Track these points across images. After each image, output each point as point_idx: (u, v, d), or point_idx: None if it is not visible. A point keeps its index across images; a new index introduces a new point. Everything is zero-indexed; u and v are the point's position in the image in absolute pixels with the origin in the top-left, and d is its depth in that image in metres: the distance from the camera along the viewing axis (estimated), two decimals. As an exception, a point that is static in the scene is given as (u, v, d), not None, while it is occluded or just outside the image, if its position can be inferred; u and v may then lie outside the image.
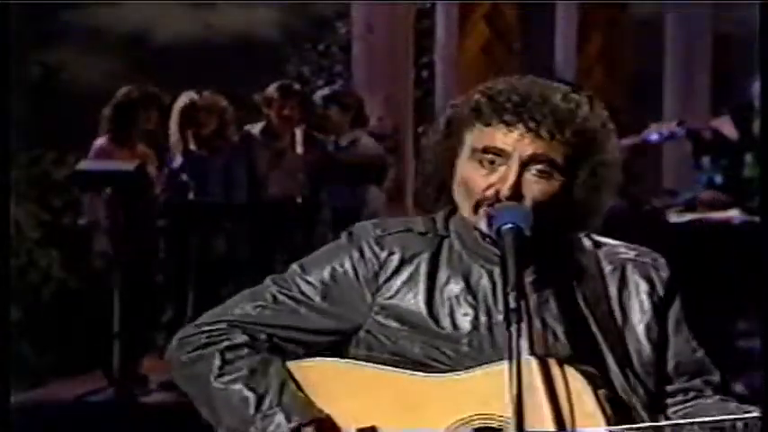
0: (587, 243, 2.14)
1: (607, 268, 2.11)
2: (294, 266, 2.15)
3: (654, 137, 6.84)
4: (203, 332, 2.12)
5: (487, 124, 2.02)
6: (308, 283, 2.12)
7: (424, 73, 9.78)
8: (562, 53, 10.47)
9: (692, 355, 2.11)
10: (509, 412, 1.84)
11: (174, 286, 6.42)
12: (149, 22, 9.87)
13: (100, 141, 6.16)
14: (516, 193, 1.99)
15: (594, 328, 2.05)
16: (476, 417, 1.96)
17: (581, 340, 2.03)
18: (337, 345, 2.11)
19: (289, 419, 1.99)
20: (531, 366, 1.89)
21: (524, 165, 1.99)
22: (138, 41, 9.63)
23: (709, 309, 5.88)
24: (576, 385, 1.92)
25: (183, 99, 6.35)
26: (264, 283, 2.15)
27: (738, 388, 2.15)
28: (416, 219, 2.16)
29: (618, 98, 10.58)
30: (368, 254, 2.11)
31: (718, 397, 2.08)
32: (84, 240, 6.29)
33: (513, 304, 1.83)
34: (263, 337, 2.10)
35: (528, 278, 2.02)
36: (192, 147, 6.32)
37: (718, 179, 6.64)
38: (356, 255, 2.11)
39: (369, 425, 2.01)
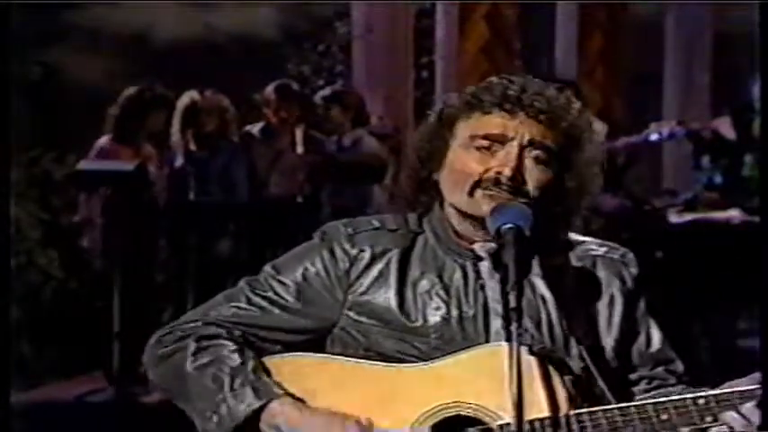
0: (560, 240, 2.18)
1: (577, 264, 2.16)
2: (267, 267, 2.20)
3: (654, 137, 6.83)
4: (179, 329, 2.16)
5: (486, 113, 2.07)
6: (281, 283, 2.16)
7: (424, 73, 9.77)
8: (562, 53, 10.47)
9: (652, 345, 2.17)
10: (482, 400, 1.92)
11: (174, 286, 6.42)
12: (149, 22, 9.87)
13: (103, 140, 6.16)
14: (518, 175, 2.03)
15: (563, 322, 2.08)
16: (449, 405, 1.98)
17: (551, 333, 2.08)
18: (313, 343, 2.14)
19: (259, 397, 2.02)
20: (502, 354, 1.90)
21: (523, 148, 2.05)
22: (138, 41, 9.63)
23: (709, 309, 5.90)
24: (541, 371, 1.95)
25: (185, 99, 6.35)
26: (239, 284, 2.20)
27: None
28: (387, 216, 2.20)
29: (618, 98, 10.59)
30: (339, 252, 2.15)
31: (681, 386, 2.13)
32: (76, 238, 6.31)
33: (513, 303, 1.85)
34: (237, 333, 2.14)
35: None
36: (193, 147, 6.32)
37: (718, 179, 6.64)
38: (327, 254, 2.16)
39: (340, 414, 2.03)
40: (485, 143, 2.06)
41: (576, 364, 2.05)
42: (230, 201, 6.37)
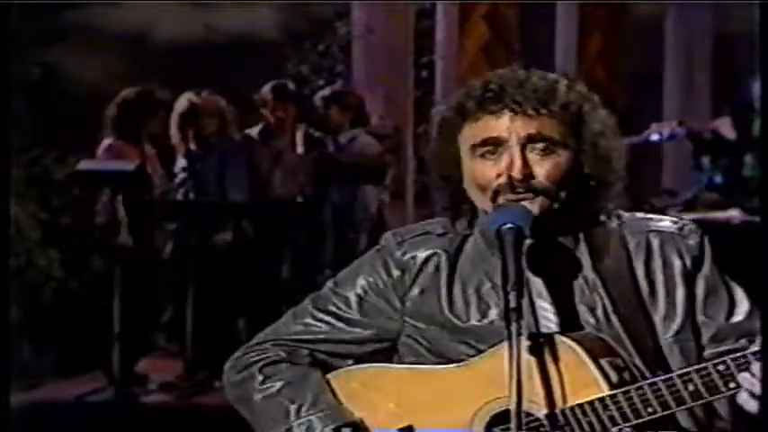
0: (613, 222, 2.14)
1: (632, 244, 2.13)
2: (329, 283, 2.26)
3: (654, 137, 6.84)
4: (250, 353, 2.23)
5: (476, 120, 2.06)
6: (342, 297, 2.21)
7: (424, 73, 9.77)
8: (562, 53, 10.47)
9: (734, 317, 2.11)
10: (531, 393, 1.91)
11: (174, 286, 6.42)
12: (149, 22, 9.87)
13: (106, 141, 6.14)
14: (527, 173, 2.02)
15: (618, 307, 2.06)
16: (500, 399, 1.99)
17: (606, 319, 2.05)
18: (381, 353, 2.20)
19: (325, 424, 2.08)
20: (522, 346, 1.89)
21: (524, 146, 2.03)
22: (138, 41, 9.63)
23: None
24: (570, 357, 1.95)
25: (182, 101, 6.34)
26: (304, 302, 2.26)
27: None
28: (435, 220, 2.21)
29: (618, 98, 10.58)
30: (390, 261, 2.19)
31: None
32: (83, 240, 6.29)
33: (513, 303, 1.85)
34: (304, 352, 2.20)
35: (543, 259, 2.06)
36: (193, 146, 6.32)
37: (718, 179, 6.64)
38: (380, 264, 2.19)
39: (405, 424, 2.09)
40: (487, 149, 2.05)
41: (636, 345, 2.03)
42: (230, 201, 6.37)
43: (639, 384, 1.94)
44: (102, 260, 6.16)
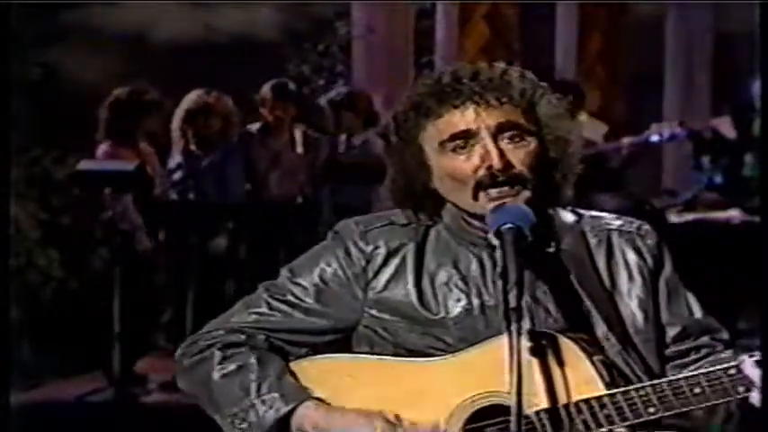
0: (570, 217, 2.16)
1: (593, 240, 2.13)
2: (284, 271, 2.20)
3: (655, 138, 6.84)
4: (203, 339, 2.17)
5: (438, 116, 2.05)
6: (300, 286, 2.16)
7: (424, 73, 9.77)
8: (562, 53, 10.47)
9: (695, 314, 2.15)
10: (526, 385, 1.87)
11: (174, 286, 6.42)
12: (149, 22, 9.86)
13: (103, 146, 6.14)
14: (506, 162, 2.01)
15: (586, 300, 2.06)
16: (479, 396, 1.99)
17: (574, 313, 2.06)
18: (338, 343, 2.15)
19: (286, 402, 2.04)
20: (522, 343, 1.88)
21: (495, 136, 2.02)
22: (138, 41, 9.62)
23: (709, 309, 5.89)
24: (571, 354, 1.95)
25: (192, 97, 6.32)
26: (257, 290, 2.20)
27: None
28: (397, 211, 2.18)
29: (618, 98, 10.58)
30: (353, 251, 2.14)
31: (730, 351, 2.11)
32: (83, 240, 6.29)
33: (513, 303, 1.85)
34: (261, 338, 2.15)
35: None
36: (192, 146, 6.32)
37: (719, 179, 6.64)
38: (342, 253, 2.15)
39: (375, 411, 2.04)
40: (456, 143, 2.04)
41: (604, 345, 2.03)
42: (230, 201, 6.37)
43: (641, 385, 1.94)
44: (102, 260, 6.15)
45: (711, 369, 1.93)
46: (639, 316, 2.09)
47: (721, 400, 1.92)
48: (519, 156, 2.03)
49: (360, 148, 6.66)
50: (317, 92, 9.29)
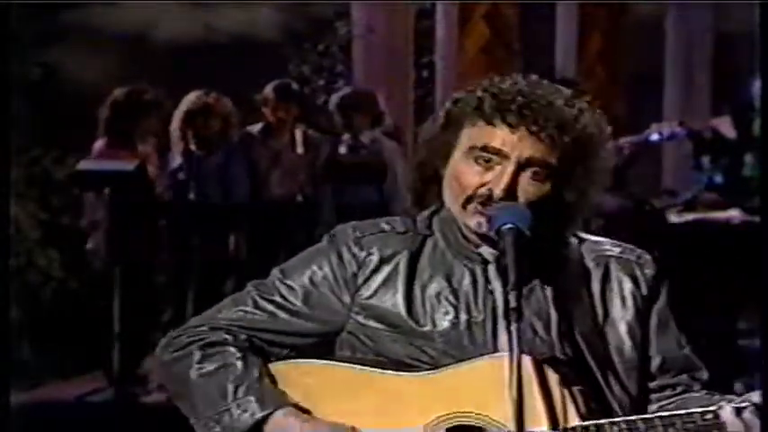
0: (572, 240, 2.14)
1: (590, 264, 2.12)
2: (275, 271, 2.18)
3: (654, 137, 6.83)
4: (186, 334, 2.16)
5: (489, 122, 2.02)
6: (289, 287, 2.14)
7: (424, 73, 9.77)
8: (562, 53, 10.46)
9: (678, 351, 2.12)
10: (486, 410, 1.90)
11: (174, 286, 6.42)
12: (149, 22, 9.86)
13: (99, 144, 6.15)
14: (510, 194, 2.00)
15: (574, 325, 2.05)
16: (453, 415, 1.97)
17: (560, 337, 2.04)
18: (321, 347, 2.13)
19: (262, 407, 2.02)
20: (503, 365, 1.88)
21: (520, 167, 2.01)
22: (138, 41, 9.62)
23: (709, 309, 5.89)
24: (550, 382, 1.93)
25: (192, 98, 6.33)
26: (246, 288, 2.19)
27: (737, 387, 2.16)
28: (395, 219, 2.17)
29: (618, 98, 10.58)
30: (346, 255, 2.13)
31: (705, 392, 2.09)
32: (83, 240, 6.29)
33: (513, 303, 1.85)
34: (242, 337, 2.13)
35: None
36: (193, 147, 6.31)
37: (719, 179, 6.63)
38: (335, 257, 2.13)
39: (348, 426, 2.03)
40: (484, 155, 2.02)
41: (588, 371, 2.02)
42: (230, 201, 6.37)
43: (617, 420, 1.92)
44: (102, 260, 6.16)
45: (689, 411, 1.91)
46: (628, 344, 2.07)
47: None
48: (528, 191, 2.01)
49: (369, 147, 6.64)
50: (318, 92, 9.30)
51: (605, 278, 2.11)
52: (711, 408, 1.91)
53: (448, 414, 1.97)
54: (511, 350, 1.82)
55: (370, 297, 2.10)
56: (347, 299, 2.11)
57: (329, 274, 2.13)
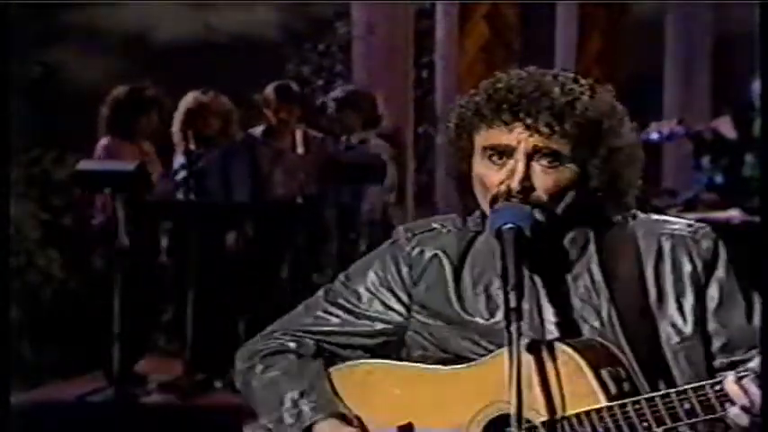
0: (626, 220, 2.14)
1: (643, 245, 2.11)
2: (340, 276, 2.28)
3: (654, 136, 6.84)
4: (258, 342, 2.28)
5: (491, 125, 2.05)
6: (353, 291, 2.24)
7: (424, 73, 9.77)
8: (562, 53, 10.46)
9: (747, 325, 2.08)
10: (529, 397, 1.90)
11: (174, 286, 6.42)
12: (149, 22, 9.86)
13: (103, 141, 6.15)
14: (526, 185, 2.01)
15: (612, 308, 2.05)
16: (496, 404, 1.99)
17: (609, 321, 2.05)
18: (390, 346, 2.22)
19: (315, 413, 2.11)
20: (522, 348, 1.90)
21: (530, 157, 2.02)
22: (138, 41, 9.63)
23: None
24: (572, 365, 1.95)
25: (189, 98, 6.33)
26: (317, 294, 2.29)
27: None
28: (447, 216, 2.23)
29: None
30: (400, 256, 2.20)
31: None
32: (98, 239, 6.28)
33: (513, 303, 1.85)
34: (310, 342, 2.23)
35: (551, 263, 2.07)
36: (193, 146, 6.31)
37: (719, 179, 6.64)
38: (390, 258, 2.21)
39: (405, 422, 2.10)
40: (495, 154, 2.05)
41: (636, 351, 2.02)
42: (231, 201, 6.37)
43: (636, 399, 1.93)
44: (102, 260, 6.15)
45: (700, 384, 1.91)
46: (687, 325, 2.05)
47: (710, 416, 1.90)
48: (546, 181, 2.02)
49: (357, 149, 6.66)
50: (317, 92, 9.30)
51: (659, 257, 2.09)
52: (718, 378, 1.91)
53: (489, 404, 2.01)
54: (511, 350, 1.83)
55: (425, 295, 2.16)
56: (405, 298, 2.19)
57: (387, 275, 2.21)
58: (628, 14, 11.27)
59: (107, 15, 9.45)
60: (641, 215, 2.16)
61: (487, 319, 2.09)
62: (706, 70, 10.92)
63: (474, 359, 2.07)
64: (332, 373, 2.18)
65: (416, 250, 2.19)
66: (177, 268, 6.33)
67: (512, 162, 2.03)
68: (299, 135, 6.61)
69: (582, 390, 1.94)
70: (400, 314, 2.19)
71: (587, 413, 1.93)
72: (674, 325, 2.05)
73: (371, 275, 2.22)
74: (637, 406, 1.91)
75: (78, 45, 9.26)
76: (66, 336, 6.97)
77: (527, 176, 2.01)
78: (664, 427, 1.91)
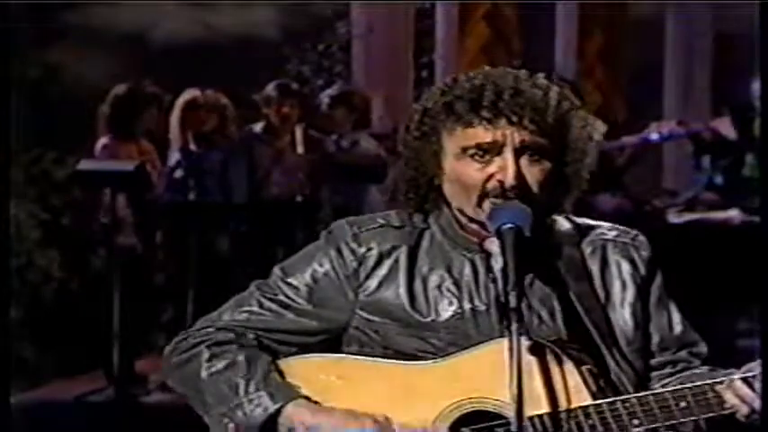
0: (567, 225, 2.17)
1: (587, 249, 2.15)
2: (276, 270, 2.19)
3: (654, 136, 6.83)
4: (191, 336, 2.18)
5: (469, 125, 2.04)
6: (291, 286, 2.16)
7: (424, 73, 9.77)
8: (562, 53, 10.46)
9: (675, 328, 2.15)
10: (500, 395, 1.91)
11: (174, 286, 6.42)
12: (149, 22, 9.85)
13: (103, 140, 6.15)
14: (520, 179, 2.02)
15: (579, 309, 2.07)
16: (466, 401, 1.99)
17: (567, 322, 2.07)
18: (328, 343, 2.15)
19: (274, 400, 2.04)
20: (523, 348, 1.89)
21: (517, 152, 2.03)
22: (138, 41, 9.62)
23: (709, 309, 5.90)
24: (558, 363, 1.96)
25: (185, 96, 6.35)
26: (249, 289, 2.20)
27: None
28: (391, 213, 2.19)
29: (618, 98, 10.58)
30: (346, 252, 2.14)
31: (707, 367, 2.12)
32: (99, 239, 6.28)
33: (513, 303, 1.85)
34: (251, 336, 2.15)
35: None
36: (192, 146, 6.32)
37: (719, 179, 6.64)
38: (334, 254, 2.15)
39: (360, 411, 2.04)
40: (478, 152, 2.04)
41: (596, 354, 2.04)
42: (230, 200, 6.37)
43: (628, 397, 1.95)
44: (102, 260, 6.15)
45: (698, 383, 1.95)
46: (631, 325, 2.11)
47: (706, 415, 1.93)
48: (534, 174, 2.03)
49: (349, 149, 6.66)
50: (317, 92, 9.29)
51: (603, 262, 2.14)
52: (720, 379, 1.94)
53: (469, 398, 1.99)
54: (511, 350, 1.83)
55: (373, 292, 2.12)
56: (351, 295, 2.13)
57: (330, 271, 2.14)
58: (628, 14, 11.27)
59: (107, 15, 9.45)
60: (578, 219, 2.20)
61: (439, 318, 2.07)
62: (706, 70, 10.92)
63: (421, 357, 2.06)
64: (281, 366, 2.11)
65: (364, 247, 2.14)
66: (177, 268, 6.33)
67: (498, 159, 2.02)
68: (299, 134, 6.61)
69: (570, 386, 1.95)
70: (343, 311, 2.13)
71: (572, 410, 1.95)
72: (621, 327, 2.10)
73: (312, 270, 2.15)
74: (627, 404, 1.94)
75: (78, 45, 9.26)
76: (66, 336, 6.97)
77: (519, 172, 2.02)
78: (653, 426, 1.93)
